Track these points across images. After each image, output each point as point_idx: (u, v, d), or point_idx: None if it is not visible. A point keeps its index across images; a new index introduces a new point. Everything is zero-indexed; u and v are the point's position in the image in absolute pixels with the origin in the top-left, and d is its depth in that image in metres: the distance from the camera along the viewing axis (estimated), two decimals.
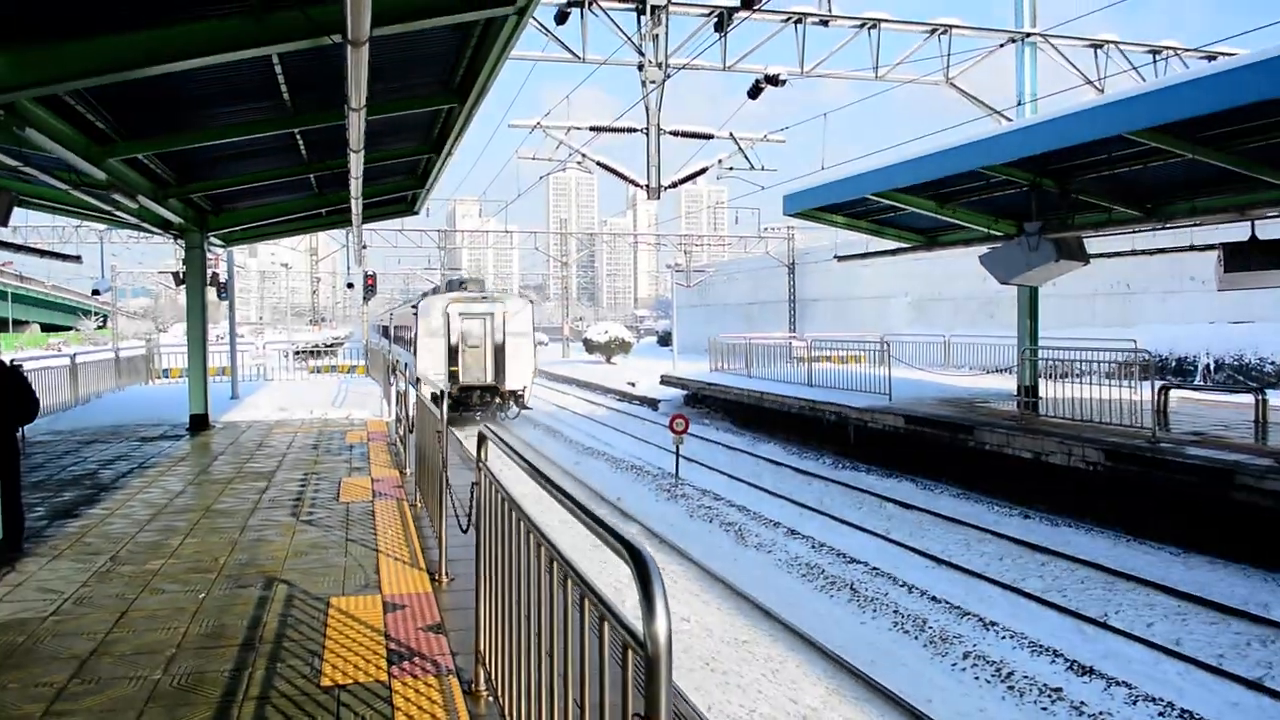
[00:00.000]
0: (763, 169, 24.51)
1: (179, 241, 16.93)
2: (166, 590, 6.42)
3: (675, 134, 22.11)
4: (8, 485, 7.37)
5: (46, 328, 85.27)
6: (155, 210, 13.41)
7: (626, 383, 38.79)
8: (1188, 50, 23.20)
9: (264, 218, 17.54)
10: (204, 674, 4.86)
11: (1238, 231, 15.21)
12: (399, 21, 6.65)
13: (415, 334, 30.22)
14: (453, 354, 29.31)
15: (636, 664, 1.95)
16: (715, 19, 19.54)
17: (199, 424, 16.28)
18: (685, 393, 32.40)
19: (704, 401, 30.44)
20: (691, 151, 23.38)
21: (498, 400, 29.18)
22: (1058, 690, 8.11)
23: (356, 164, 10.44)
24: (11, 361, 8.13)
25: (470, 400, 28.68)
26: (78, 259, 20.86)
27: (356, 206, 14.25)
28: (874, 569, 11.86)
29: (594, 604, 2.31)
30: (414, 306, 32.53)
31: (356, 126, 8.32)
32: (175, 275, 19.16)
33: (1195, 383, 25.86)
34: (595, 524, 2.31)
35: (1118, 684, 8.16)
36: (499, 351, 29.31)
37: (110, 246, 54.63)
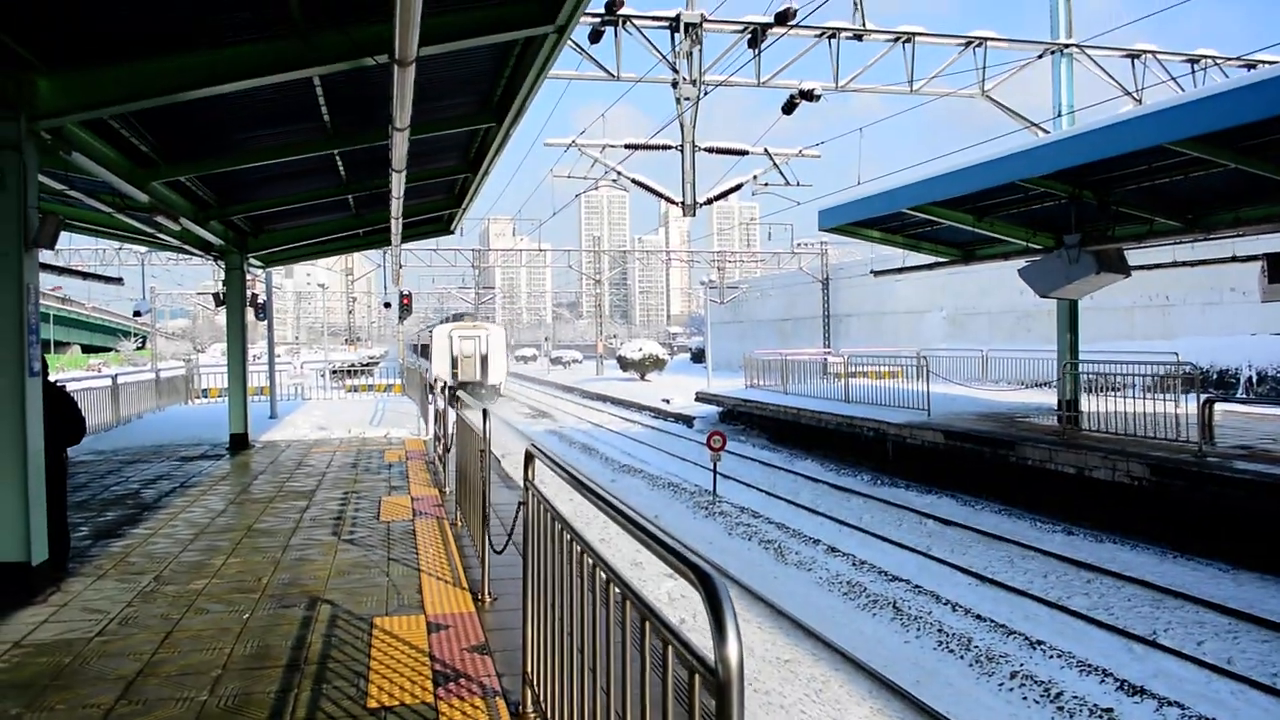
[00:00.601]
0: (798, 184, 24.48)
1: (219, 263, 17.10)
2: (211, 610, 6.44)
3: (710, 150, 22.12)
4: (53, 505, 7.43)
5: (87, 349, 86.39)
6: (196, 232, 13.57)
7: (661, 400, 38.75)
8: (1227, 59, 22.97)
9: (303, 238, 17.70)
10: (250, 695, 4.85)
11: None
12: (443, 41, 6.70)
13: (431, 350, 47.70)
14: (454, 362, 46.35)
15: (702, 691, 1.91)
16: (749, 35, 19.57)
17: (239, 443, 16.40)
18: (720, 409, 32.32)
19: (739, 418, 30.34)
20: (726, 167, 23.39)
21: (483, 390, 44.32)
22: (1109, 711, 7.96)
23: (398, 184, 10.51)
24: (56, 383, 8.22)
25: (465, 389, 39.24)
26: (120, 281, 21.18)
27: (396, 226, 14.34)
28: (916, 586, 11.72)
29: (656, 626, 2.27)
30: (430, 331, 50.73)
31: (400, 146, 8.37)
32: (215, 296, 19.32)
33: (1238, 395, 25.49)
34: (659, 546, 2.28)
35: (1170, 704, 8.00)
36: (484, 360, 47.00)
37: (150, 269, 55.39)
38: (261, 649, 5.58)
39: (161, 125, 9.57)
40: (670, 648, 2.16)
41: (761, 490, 18.80)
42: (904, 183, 16.47)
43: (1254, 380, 27.02)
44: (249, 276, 20.11)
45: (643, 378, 55.79)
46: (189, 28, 6.77)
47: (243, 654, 5.51)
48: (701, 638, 1.89)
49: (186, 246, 15.58)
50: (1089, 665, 8.93)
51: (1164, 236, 15.86)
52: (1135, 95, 22.46)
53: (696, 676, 1.95)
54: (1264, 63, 22.47)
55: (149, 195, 10.45)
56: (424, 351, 54.82)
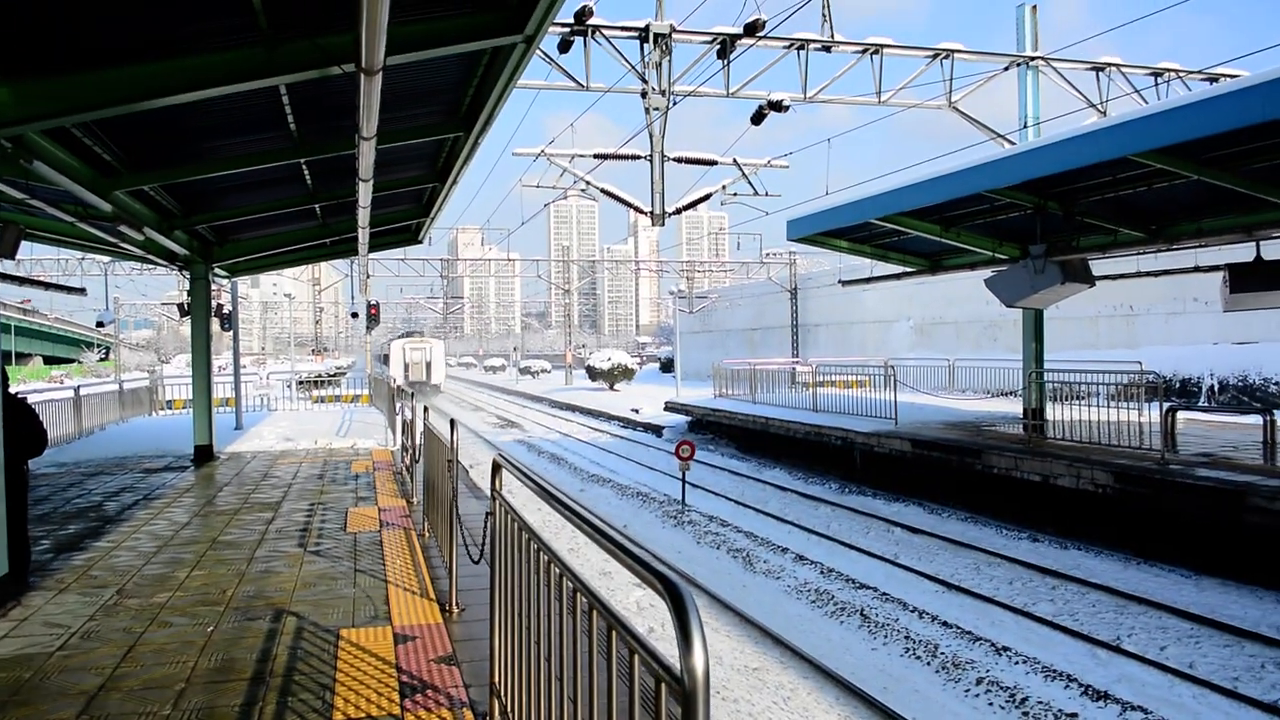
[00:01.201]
0: (766, 194, 24.55)
1: (183, 273, 16.96)
2: (174, 623, 6.37)
3: (679, 160, 22.17)
4: (14, 518, 7.32)
5: (49, 360, 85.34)
6: (161, 242, 13.44)
7: (630, 409, 38.73)
8: (1190, 72, 23.29)
9: (269, 248, 17.56)
10: (214, 709, 4.80)
11: (1243, 252, 15.22)
12: (410, 50, 6.67)
13: (390, 359, 65.11)
14: (406, 368, 63.08)
15: (669, 700, 1.91)
16: (718, 46, 19.64)
17: (204, 455, 16.25)
18: (689, 419, 32.36)
19: (708, 427, 30.39)
20: (695, 177, 23.50)
21: (427, 387, 61.70)
22: (1074, 716, 8.03)
23: (365, 193, 10.46)
24: (16, 394, 8.11)
25: (414, 386, 50.51)
26: (82, 291, 20.93)
27: (363, 236, 14.28)
28: (883, 594, 11.78)
29: (622, 636, 2.27)
30: (389, 344, 69.30)
31: (367, 156, 8.34)
32: (180, 306, 19.16)
33: (1200, 404, 25.80)
34: (625, 555, 2.27)
35: (1133, 708, 8.07)
36: (428, 365, 64.56)
37: (113, 279, 54.82)
38: (226, 662, 5.53)
39: (125, 134, 9.48)
40: (637, 657, 2.16)
41: (730, 499, 18.83)
42: (872, 193, 16.58)
43: (1216, 389, 27.37)
44: (214, 287, 19.97)
45: (612, 387, 55.78)
46: (154, 36, 6.71)
47: (207, 667, 5.45)
48: (669, 646, 1.89)
49: (150, 256, 15.42)
50: (1054, 671, 9.00)
51: (1128, 247, 16.05)
52: (1100, 107, 22.72)
53: (663, 685, 1.95)
54: (1225, 76, 22.80)
55: (112, 204, 10.34)
56: (385, 360, 71.35)
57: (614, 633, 2.34)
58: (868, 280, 25.14)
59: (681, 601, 1.85)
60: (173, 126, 9.47)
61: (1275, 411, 15.05)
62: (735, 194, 24.05)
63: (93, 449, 17.65)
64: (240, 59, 6.75)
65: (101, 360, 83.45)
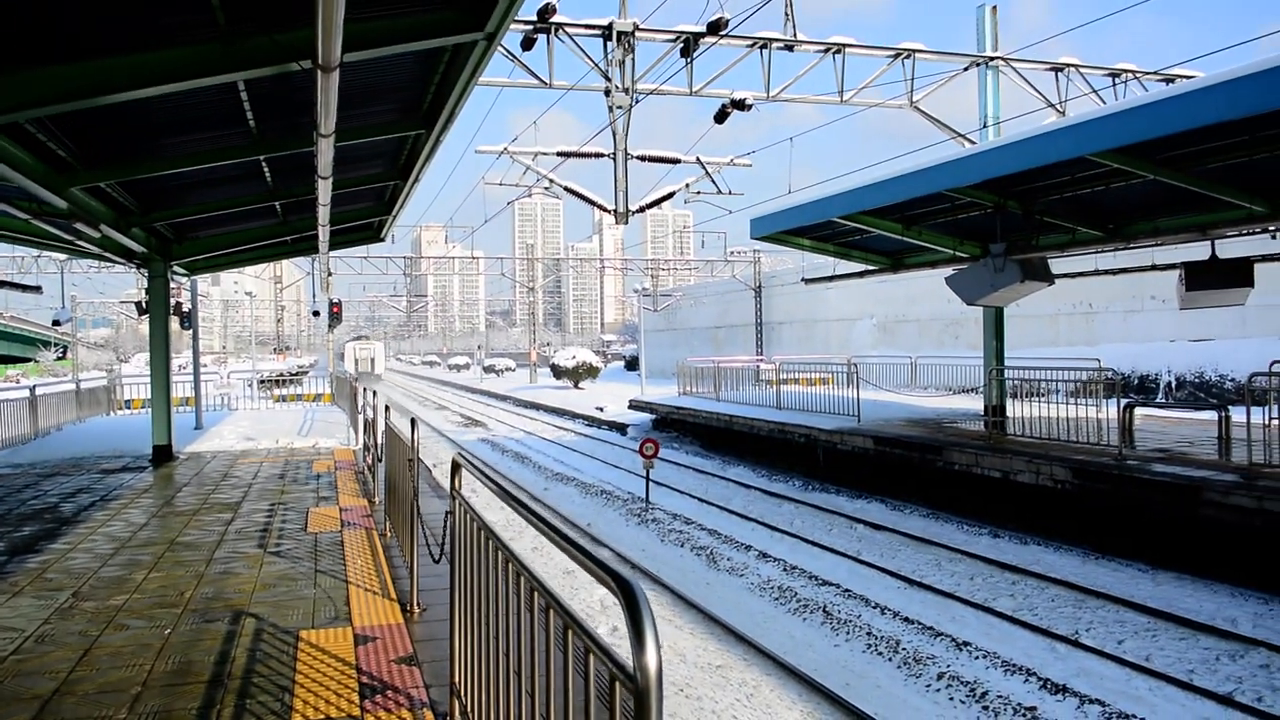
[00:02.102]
0: (729, 193, 24.62)
1: (141, 271, 16.76)
2: (131, 626, 6.29)
3: (642, 159, 22.16)
4: None
5: (4, 359, 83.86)
6: (118, 239, 13.28)
7: (595, 408, 38.70)
8: (1146, 73, 23.59)
9: (228, 246, 17.40)
10: (171, 712, 4.74)
11: (1198, 251, 15.43)
12: (369, 47, 6.62)
13: (345, 357, 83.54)
14: (356, 363, 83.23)
15: (623, 697, 1.91)
16: (681, 45, 19.65)
17: (162, 455, 16.07)
18: (654, 417, 32.39)
19: (673, 425, 30.43)
20: (659, 176, 23.51)
21: (371, 376, 67.37)
22: (1032, 709, 8.11)
23: (324, 191, 10.39)
24: None
25: (361, 377, 50.56)
26: (38, 289, 20.63)
27: (324, 233, 14.18)
28: (846, 591, 11.84)
29: (578, 635, 2.27)
30: (344, 346, 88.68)
31: (326, 153, 8.27)
32: (138, 305, 18.93)
33: (1158, 400, 26.16)
34: (579, 553, 2.27)
35: (1091, 701, 8.17)
36: (372, 361, 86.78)
37: (71, 276, 54.09)
38: (183, 665, 5.47)
39: (81, 129, 9.36)
40: (592, 655, 2.16)
41: (694, 497, 18.86)
42: (834, 192, 16.67)
43: (1173, 385, 27.78)
44: (173, 285, 19.73)
45: (576, 385, 55.69)
46: (109, 30, 6.63)
47: (164, 670, 5.39)
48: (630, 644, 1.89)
49: (108, 254, 15.23)
50: (1013, 665, 9.09)
51: (1086, 245, 16.23)
52: (1059, 107, 22.97)
53: (617, 683, 1.95)
54: (1181, 77, 23.12)
55: (68, 201, 10.20)
56: (341, 358, 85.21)
57: (570, 631, 2.34)
58: (830, 278, 25.27)
59: (634, 599, 1.85)
60: (130, 122, 9.36)
61: (1230, 408, 15.27)
62: (699, 192, 24.09)
63: (49, 450, 17.40)
64: (197, 54, 6.69)
65: (59, 359, 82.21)
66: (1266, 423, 12.41)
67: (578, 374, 55.87)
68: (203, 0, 6.22)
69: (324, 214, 12.29)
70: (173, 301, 19.64)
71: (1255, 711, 7.87)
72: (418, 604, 6.49)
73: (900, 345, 41.58)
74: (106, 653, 5.74)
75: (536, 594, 2.68)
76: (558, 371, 56.77)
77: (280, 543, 8.94)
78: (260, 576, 7.57)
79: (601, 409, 37.79)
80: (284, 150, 10.59)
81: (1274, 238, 15.98)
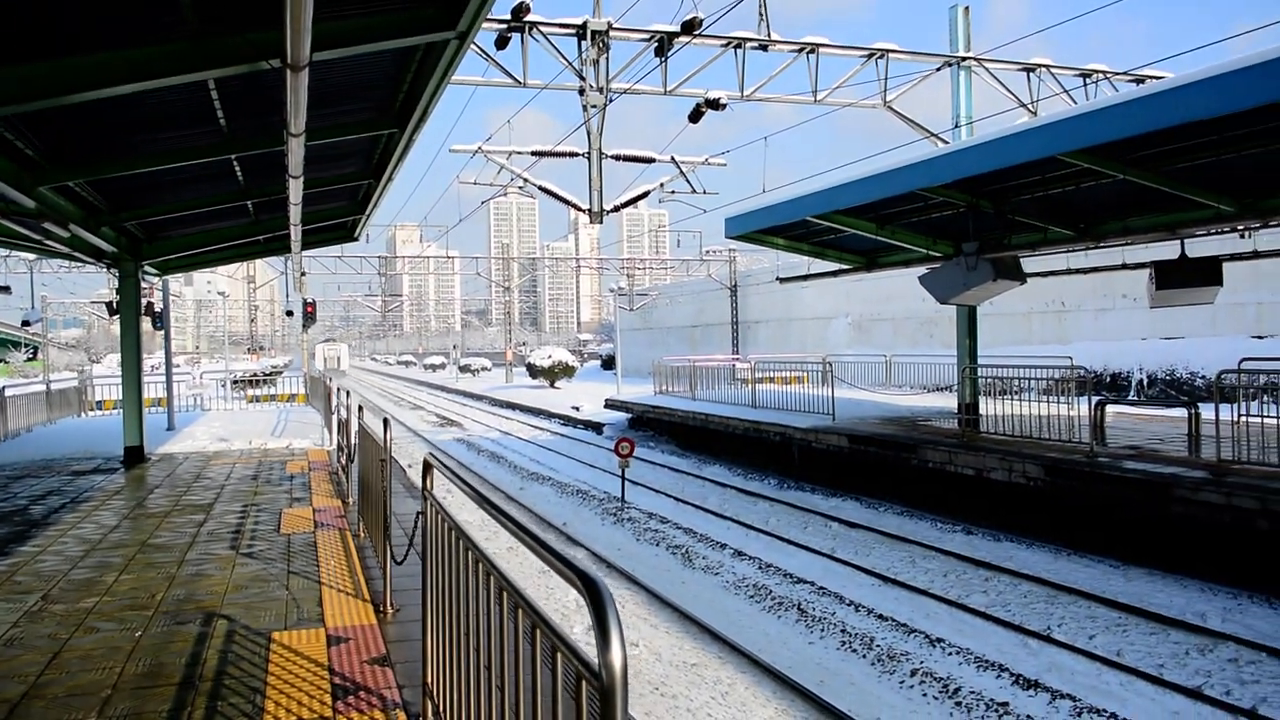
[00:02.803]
0: (704, 192, 24.65)
1: (112, 271, 16.62)
2: (101, 629, 6.24)
3: (617, 158, 22.18)
4: None
5: None
6: (87, 239, 13.15)
7: (570, 407, 38.66)
8: (1117, 74, 23.79)
9: (200, 245, 17.28)
10: (141, 715, 4.72)
11: (1168, 250, 15.59)
12: (339, 46, 6.59)
13: (314, 357, 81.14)
14: (324, 361, 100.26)
15: (590, 695, 1.92)
16: (656, 44, 19.67)
17: (134, 457, 15.95)
18: (630, 416, 32.39)
19: (649, 424, 30.44)
20: (633, 175, 23.56)
21: (337, 371, 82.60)
22: (1004, 705, 8.16)
23: (296, 190, 10.33)
24: None
25: (329, 372, 49.76)
26: (7, 290, 20.44)
27: (296, 233, 14.10)
28: (821, 588, 11.89)
29: (546, 634, 2.28)
30: (315, 346, 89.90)
31: (296, 152, 8.23)
32: (109, 305, 18.76)
33: (1130, 398, 26.39)
34: (547, 552, 2.28)
35: (1062, 696, 8.23)
36: (339, 359, 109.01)
37: (40, 276, 53.52)
38: (154, 667, 5.43)
39: (49, 128, 9.27)
40: (559, 654, 2.17)
41: (670, 496, 18.88)
42: (808, 191, 16.72)
43: (1144, 383, 28.03)
44: (145, 285, 19.58)
45: (552, 385, 55.63)
46: (77, 28, 6.57)
47: (134, 673, 5.35)
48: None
49: (77, 254, 15.09)
50: (986, 661, 9.15)
51: (1057, 244, 16.35)
52: (1030, 107, 23.13)
53: (584, 682, 1.96)
54: (1151, 78, 23.32)
55: (36, 201, 10.10)
56: (313, 357, 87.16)
57: (538, 631, 2.34)
58: (805, 278, 25.35)
59: (600, 598, 1.85)
60: (99, 121, 9.28)
61: (1200, 405, 15.42)
62: (673, 192, 24.12)
63: (18, 451, 17.25)
64: (167, 53, 6.64)
65: (29, 360, 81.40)
66: (1235, 420, 12.54)
67: (554, 373, 55.80)
68: None
69: (296, 213, 12.22)
70: (145, 301, 19.49)
71: (1223, 705, 7.96)
72: (391, 604, 6.47)
73: (875, 344, 41.74)
74: (76, 655, 5.70)
75: (506, 594, 2.68)
76: (534, 371, 56.67)
77: (253, 544, 8.89)
78: (232, 578, 7.53)
79: (577, 408, 37.76)
80: (255, 149, 10.53)
81: (1243, 237, 16.20)
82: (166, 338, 22.49)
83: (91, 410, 26.18)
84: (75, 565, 8.18)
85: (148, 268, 17.67)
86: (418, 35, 6.95)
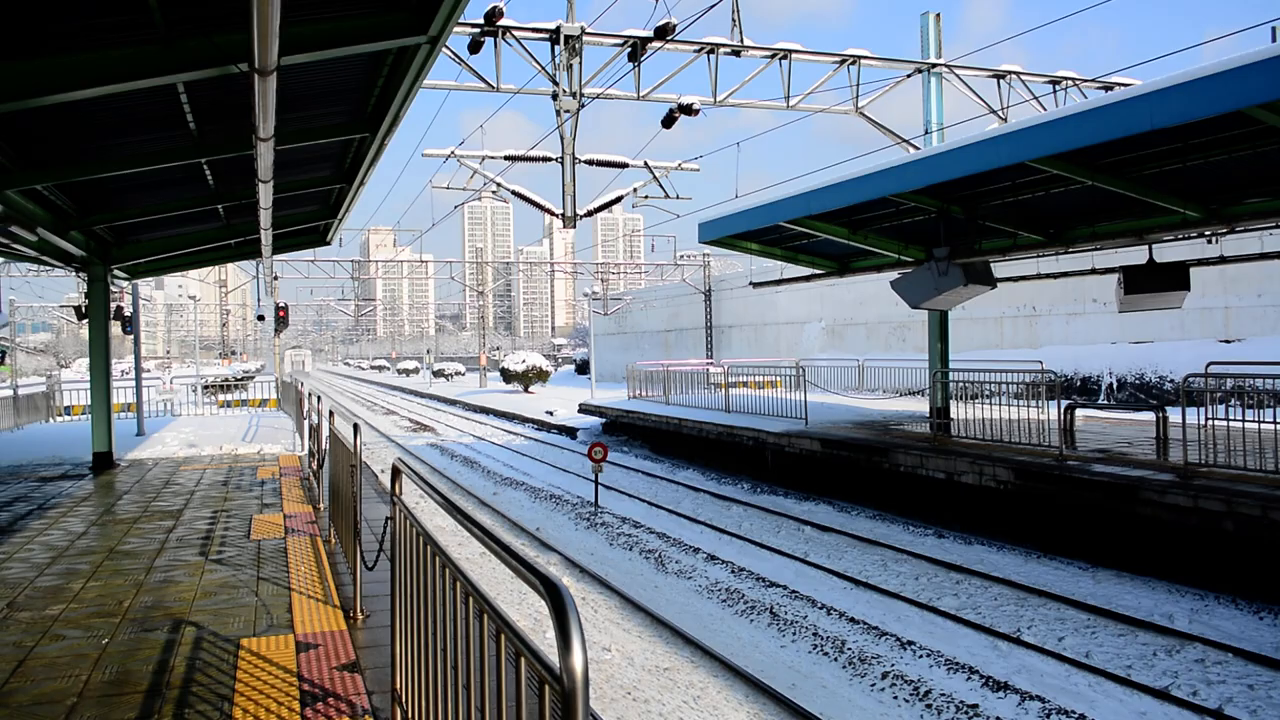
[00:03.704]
0: (678, 197, 24.70)
1: (81, 275, 16.48)
2: (68, 637, 6.19)
3: (590, 163, 22.19)
4: None
5: None
6: (55, 243, 13.03)
7: (544, 412, 38.62)
8: (1086, 81, 24.03)
9: (170, 249, 17.15)
10: None
11: (1136, 255, 15.75)
12: (309, 50, 6.57)
13: (283, 360, 63.69)
14: (292, 364, 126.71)
15: (554, 699, 1.93)
16: (629, 49, 19.71)
17: (103, 463, 15.80)
18: (604, 420, 32.37)
19: (623, 429, 30.44)
20: (607, 179, 23.54)
21: (303, 374, 75.71)
22: (974, 707, 8.21)
23: (266, 194, 10.28)
24: None
25: (295, 376, 49.63)
26: None
27: (266, 237, 14.02)
28: (793, 592, 11.92)
29: (510, 639, 2.28)
30: (284, 351, 64.28)
31: (266, 156, 8.19)
32: (77, 309, 18.57)
33: (1099, 401, 26.64)
34: (510, 557, 2.28)
35: (1032, 698, 8.29)
36: (304, 363, 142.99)
37: (8, 280, 52.96)
38: (121, 675, 5.39)
39: (15, 131, 9.18)
40: (523, 659, 2.17)
41: (643, 500, 18.89)
42: (781, 196, 16.78)
43: (1114, 386, 28.29)
44: (115, 289, 19.42)
45: (526, 390, 55.52)
46: (42, 31, 6.52)
47: (101, 680, 5.31)
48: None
49: (45, 258, 14.95)
50: (956, 663, 9.21)
51: (1027, 250, 16.49)
52: (1001, 114, 23.33)
53: (546, 686, 1.96)
54: (1120, 84, 23.58)
55: (3, 204, 10.01)
56: (282, 361, 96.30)
57: (502, 636, 2.34)
58: (778, 282, 25.43)
59: (561, 602, 1.86)
60: (68, 124, 9.20)
61: (1168, 408, 15.58)
62: (646, 197, 24.14)
63: None
64: (135, 56, 6.60)
65: None
66: (1202, 423, 12.67)
67: (528, 378, 55.69)
68: (140, 1, 6.14)
69: (266, 217, 12.16)
70: (114, 306, 19.32)
71: (1190, 705, 8.04)
72: (361, 610, 6.45)
73: (848, 348, 41.95)
74: (42, 664, 5.64)
75: (472, 599, 2.69)
76: (508, 375, 56.52)
77: (222, 550, 8.83)
78: (201, 584, 7.48)
79: (551, 413, 37.72)
80: (226, 153, 10.46)
81: (1210, 242, 16.38)
82: (136, 342, 22.31)
83: (60, 415, 25.95)
84: (42, 572, 8.10)
85: (117, 272, 17.53)
86: (389, 40, 6.94)
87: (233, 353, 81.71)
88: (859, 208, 16.19)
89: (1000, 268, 17.81)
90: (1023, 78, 23.64)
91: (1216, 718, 7.83)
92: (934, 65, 22.06)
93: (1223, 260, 15.94)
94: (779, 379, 26.94)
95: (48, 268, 19.35)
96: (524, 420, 38.77)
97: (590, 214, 21.88)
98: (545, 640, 8.99)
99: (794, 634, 10.48)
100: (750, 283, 30.45)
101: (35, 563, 8.50)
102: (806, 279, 22.88)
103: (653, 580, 13.10)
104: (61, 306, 72.41)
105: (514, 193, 22.83)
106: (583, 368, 70.94)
